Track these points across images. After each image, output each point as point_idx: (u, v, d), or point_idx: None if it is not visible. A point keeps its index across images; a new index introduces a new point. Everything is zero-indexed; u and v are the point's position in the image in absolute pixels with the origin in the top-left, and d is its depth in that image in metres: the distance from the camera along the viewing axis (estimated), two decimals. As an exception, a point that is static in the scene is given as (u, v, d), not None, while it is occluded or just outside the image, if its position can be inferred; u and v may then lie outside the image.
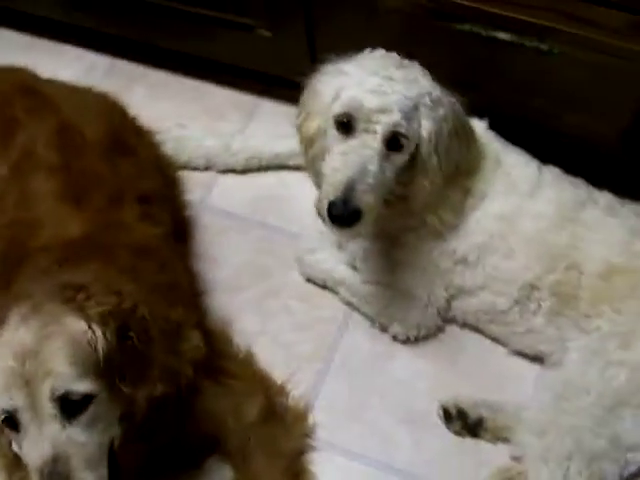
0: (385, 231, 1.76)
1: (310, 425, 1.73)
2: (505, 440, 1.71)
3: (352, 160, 1.51)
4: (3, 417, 1.30)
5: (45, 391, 1.27)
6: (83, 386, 1.29)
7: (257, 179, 2.09)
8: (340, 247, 1.89)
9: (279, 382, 1.74)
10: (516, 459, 1.67)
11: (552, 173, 1.74)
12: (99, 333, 1.33)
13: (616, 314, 1.61)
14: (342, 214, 1.50)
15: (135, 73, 2.28)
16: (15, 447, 1.36)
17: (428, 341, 1.85)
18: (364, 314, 1.86)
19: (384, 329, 1.84)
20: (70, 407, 1.29)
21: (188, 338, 1.55)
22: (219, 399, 1.65)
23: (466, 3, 1.60)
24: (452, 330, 1.86)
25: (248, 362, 1.75)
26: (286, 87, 2.17)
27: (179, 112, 2.17)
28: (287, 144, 2.05)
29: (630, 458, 1.56)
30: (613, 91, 1.64)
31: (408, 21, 1.67)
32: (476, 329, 1.83)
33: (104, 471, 1.33)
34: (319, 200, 1.56)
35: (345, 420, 1.76)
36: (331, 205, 1.50)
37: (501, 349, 1.82)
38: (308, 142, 1.64)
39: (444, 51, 1.64)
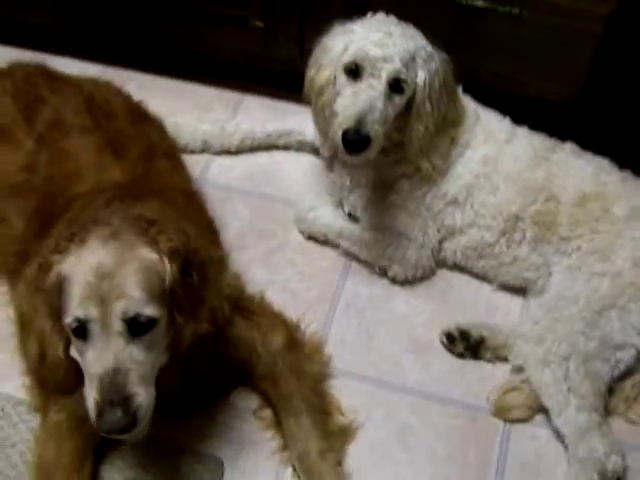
0: (383, 180, 1.98)
1: (327, 355, 1.87)
2: (504, 359, 1.90)
3: (362, 97, 1.74)
4: (75, 325, 1.39)
5: (117, 310, 1.38)
6: (150, 310, 1.40)
7: (250, 158, 2.28)
8: (337, 204, 2.09)
9: (294, 320, 1.89)
10: (517, 370, 1.86)
11: (522, 127, 2.01)
12: (168, 266, 1.44)
13: (593, 233, 1.85)
14: (355, 140, 1.72)
15: (124, 77, 2.44)
16: (75, 353, 1.46)
17: (422, 283, 2.05)
18: (364, 261, 2.04)
19: (384, 272, 2.03)
20: (135, 328, 1.39)
21: (225, 276, 1.70)
22: (248, 330, 1.78)
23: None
24: (442, 273, 2.06)
25: (265, 303, 1.89)
26: (267, 84, 2.43)
27: (170, 108, 2.33)
28: (276, 125, 2.27)
29: (619, 357, 1.78)
30: (572, 52, 1.94)
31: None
32: (464, 269, 2.04)
33: (153, 391, 1.43)
34: (332, 129, 1.77)
35: (356, 351, 1.92)
36: (345, 133, 1.72)
37: (487, 287, 2.03)
38: (319, 91, 1.85)
39: (430, 22, 1.89)
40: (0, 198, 1.89)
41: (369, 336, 1.94)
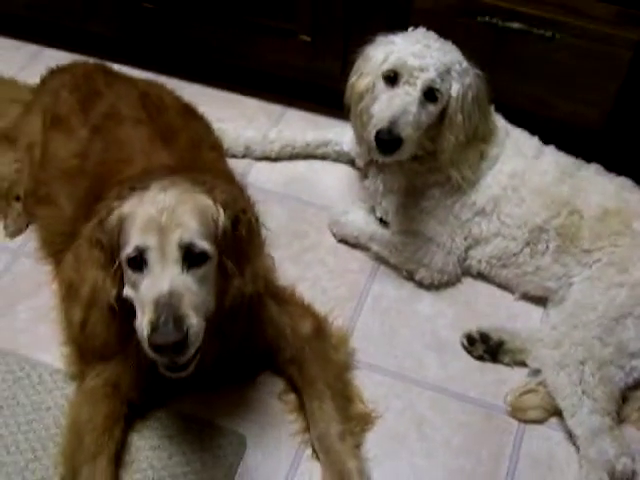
0: (414, 186, 2.08)
1: (351, 347, 1.96)
2: (522, 364, 1.97)
3: (397, 102, 1.86)
4: (133, 255, 1.50)
5: (175, 238, 1.48)
6: (203, 244, 1.51)
7: (289, 165, 2.40)
8: (369, 210, 2.20)
9: (322, 313, 1.98)
10: (534, 373, 1.92)
11: (549, 146, 2.12)
12: (221, 211, 1.57)
13: (613, 247, 1.94)
14: (387, 140, 1.84)
15: (174, 85, 2.58)
16: (129, 291, 1.55)
17: (447, 289, 2.13)
18: (393, 264, 2.14)
19: (411, 275, 2.12)
20: (190, 258, 1.49)
21: (264, 255, 1.81)
22: (279, 315, 1.88)
23: (487, 1, 2.03)
24: (467, 281, 2.15)
25: (295, 294, 1.99)
26: (309, 99, 2.56)
27: (216, 116, 2.44)
28: (315, 135, 2.40)
29: (634, 365, 1.85)
30: (601, 76, 2.05)
31: (437, 19, 2.05)
32: (488, 279, 2.13)
33: (204, 323, 1.51)
34: (367, 130, 1.90)
35: (380, 346, 2.00)
36: (378, 132, 1.84)
37: (510, 296, 2.11)
38: (358, 97, 1.98)
39: (466, 42, 2.01)
40: (52, 182, 2.02)
41: (393, 333, 2.03)
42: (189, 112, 2.14)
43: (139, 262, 1.50)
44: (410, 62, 1.87)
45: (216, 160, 2.00)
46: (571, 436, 1.82)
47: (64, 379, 1.88)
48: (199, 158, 1.92)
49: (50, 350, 1.92)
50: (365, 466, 1.75)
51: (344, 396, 1.84)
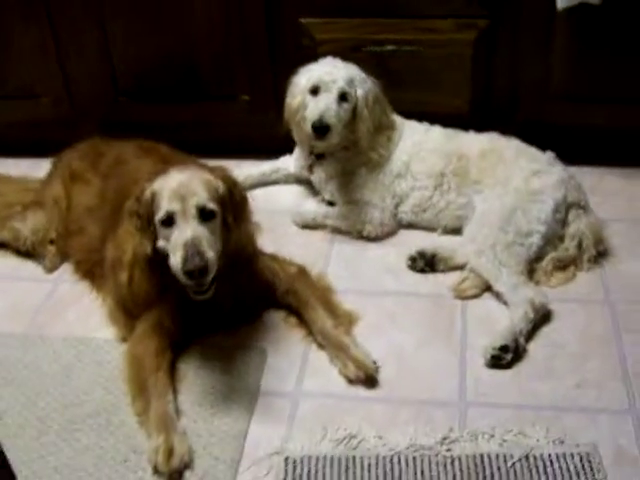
0: (347, 169, 2.85)
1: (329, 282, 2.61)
2: (452, 269, 2.64)
3: (321, 104, 2.66)
4: (165, 217, 2.14)
5: (192, 202, 2.13)
6: (211, 205, 2.16)
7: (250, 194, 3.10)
8: (317, 194, 2.95)
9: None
10: (463, 268, 2.60)
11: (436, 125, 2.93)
12: (220, 183, 2.23)
13: (493, 172, 2.70)
14: (319, 127, 2.62)
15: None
16: (162, 242, 2.18)
17: (388, 239, 2.84)
18: (345, 230, 2.85)
19: (360, 234, 2.83)
20: (204, 215, 2.14)
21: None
22: (270, 262, 2.54)
23: (366, 37, 2.90)
24: (401, 232, 2.87)
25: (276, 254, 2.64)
26: (251, 152, 3.30)
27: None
28: (268, 165, 3.17)
29: (530, 241, 2.55)
30: (454, 72, 2.91)
31: (336, 54, 2.84)
32: (416, 226, 2.85)
33: (216, 257, 2.13)
34: (305, 129, 2.68)
35: (347, 281, 2.64)
36: (313, 124, 2.63)
37: (434, 235, 2.82)
38: (294, 112, 2.76)
39: (360, 65, 2.81)
40: (80, 219, 2.69)
41: (355, 272, 2.70)
42: (176, 150, 2.84)
43: (169, 221, 2.15)
44: (325, 78, 2.69)
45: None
46: (499, 297, 2.48)
47: (116, 342, 2.44)
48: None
49: (101, 331, 2.49)
50: (358, 340, 2.35)
51: (331, 305, 2.48)
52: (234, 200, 2.26)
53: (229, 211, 2.23)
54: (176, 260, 2.10)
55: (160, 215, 2.16)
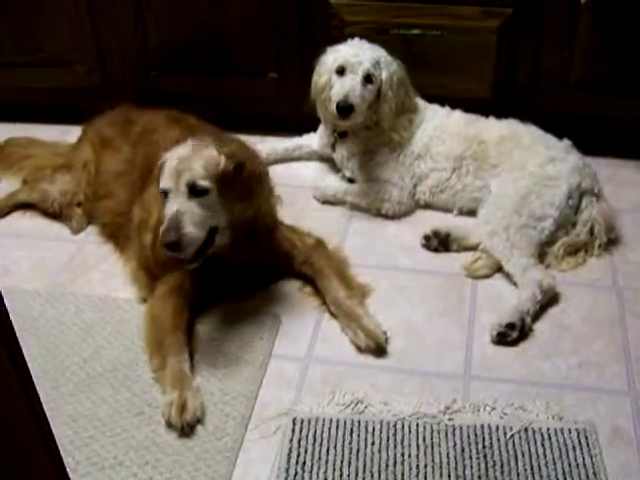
0: (369, 148, 2.92)
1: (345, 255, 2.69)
2: (466, 249, 2.71)
3: (347, 84, 2.73)
4: (161, 191, 2.25)
5: (184, 179, 2.22)
6: (203, 182, 2.22)
7: (275, 168, 3.13)
8: (338, 171, 3.02)
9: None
10: (476, 248, 2.67)
11: (457, 110, 2.99)
12: (223, 160, 2.29)
13: (511, 157, 2.76)
14: (343, 107, 2.69)
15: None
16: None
17: (406, 218, 2.91)
18: (364, 207, 2.92)
19: (378, 211, 2.90)
20: (195, 192, 2.22)
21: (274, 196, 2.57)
22: (289, 233, 2.62)
23: (393, 20, 2.97)
24: (418, 212, 2.93)
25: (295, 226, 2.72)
26: (275, 130, 3.38)
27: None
28: (292, 142, 3.24)
29: (542, 225, 2.61)
30: (479, 57, 2.97)
31: (363, 37, 2.92)
32: (433, 207, 2.91)
33: (202, 234, 2.22)
34: (330, 108, 2.75)
35: (364, 255, 2.72)
36: (337, 104, 2.70)
37: (450, 217, 2.89)
38: (321, 90, 2.84)
39: (385, 48, 2.89)
40: (108, 183, 2.79)
41: (371, 248, 2.77)
42: (203, 122, 2.92)
43: (165, 195, 2.25)
44: (352, 59, 2.76)
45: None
46: (509, 277, 2.54)
47: (136, 302, 2.54)
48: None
49: (122, 291, 2.59)
50: (370, 311, 2.43)
51: (346, 276, 2.55)
52: (242, 177, 2.31)
53: (230, 187, 2.27)
54: (161, 233, 2.21)
55: (160, 190, 2.28)
